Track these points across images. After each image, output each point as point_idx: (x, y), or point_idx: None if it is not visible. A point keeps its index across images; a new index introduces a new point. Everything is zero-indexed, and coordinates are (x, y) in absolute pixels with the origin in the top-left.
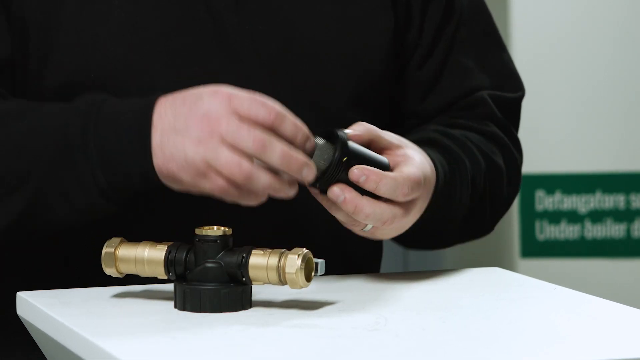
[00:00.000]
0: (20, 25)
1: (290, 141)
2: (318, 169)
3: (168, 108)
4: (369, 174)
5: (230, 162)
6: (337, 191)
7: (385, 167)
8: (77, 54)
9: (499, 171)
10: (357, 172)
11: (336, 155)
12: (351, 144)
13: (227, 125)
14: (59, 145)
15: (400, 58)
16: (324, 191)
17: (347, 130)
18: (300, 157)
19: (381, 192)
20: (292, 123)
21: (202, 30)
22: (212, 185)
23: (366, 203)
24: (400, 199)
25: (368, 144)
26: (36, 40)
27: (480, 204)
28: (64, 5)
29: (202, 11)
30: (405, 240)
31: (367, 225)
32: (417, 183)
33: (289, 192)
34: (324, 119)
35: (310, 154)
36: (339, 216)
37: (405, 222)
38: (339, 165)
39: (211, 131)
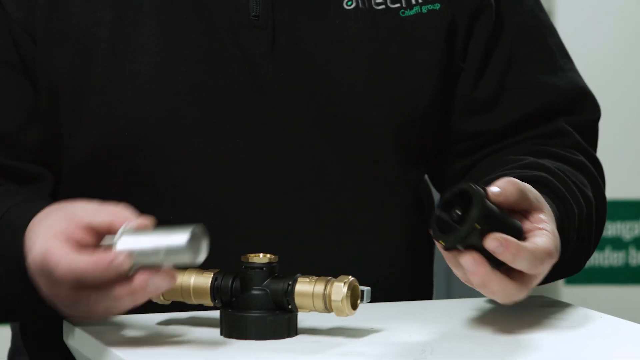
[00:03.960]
0: (50, 89)
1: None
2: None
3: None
4: (507, 246)
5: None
6: (469, 263)
7: (519, 233)
8: (107, 114)
9: (592, 207)
10: (495, 242)
11: (470, 217)
12: (487, 204)
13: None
14: None
15: (448, 85)
16: (449, 249)
17: (494, 189)
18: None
19: (516, 265)
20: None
21: (236, 80)
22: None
23: (495, 281)
24: (532, 272)
25: (513, 205)
26: (67, 104)
27: (581, 245)
28: (93, 66)
29: (236, 59)
30: None
31: None
32: (550, 257)
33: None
34: (364, 164)
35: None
36: (457, 273)
37: (525, 294)
38: (470, 229)
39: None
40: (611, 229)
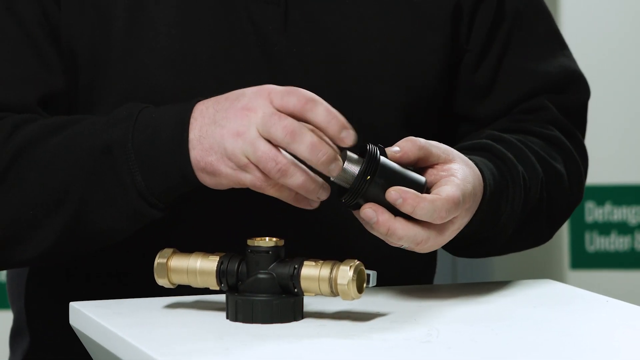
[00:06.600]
0: (70, 58)
1: (323, 128)
2: (346, 182)
3: (210, 105)
4: (405, 197)
5: (267, 155)
6: (370, 213)
7: (421, 187)
8: (124, 82)
9: (558, 177)
10: (394, 194)
11: (359, 171)
12: (384, 160)
13: (262, 115)
14: (97, 151)
15: (451, 66)
16: (351, 206)
17: (394, 148)
18: (328, 150)
19: (418, 216)
20: (325, 109)
21: (250, 54)
22: (253, 179)
23: (399, 226)
24: (438, 222)
25: (415, 161)
26: (85, 73)
27: (536, 213)
28: (111, 35)
29: (250, 34)
30: (453, 248)
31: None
32: (455, 205)
33: (322, 195)
34: (374, 138)
35: (345, 147)
36: (374, 232)
37: (441, 240)
38: (362, 182)
39: (248, 123)
40: (617, 213)
